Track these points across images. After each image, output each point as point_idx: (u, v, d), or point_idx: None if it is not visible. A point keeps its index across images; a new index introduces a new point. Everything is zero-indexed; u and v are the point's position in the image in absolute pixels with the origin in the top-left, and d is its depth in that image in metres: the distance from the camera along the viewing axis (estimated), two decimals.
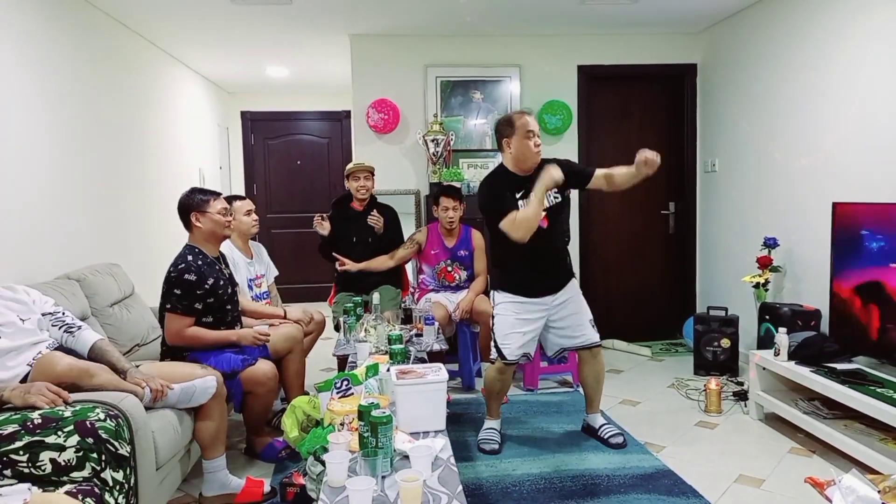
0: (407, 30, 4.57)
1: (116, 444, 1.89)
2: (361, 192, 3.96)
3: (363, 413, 1.80)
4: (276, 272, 3.89)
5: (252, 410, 2.90)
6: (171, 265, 2.78)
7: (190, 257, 2.77)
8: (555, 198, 2.92)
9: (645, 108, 5.02)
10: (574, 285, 3.07)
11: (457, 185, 4.50)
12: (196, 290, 2.73)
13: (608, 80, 4.90)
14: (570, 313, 3.02)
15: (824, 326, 3.40)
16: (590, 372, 3.12)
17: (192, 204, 2.84)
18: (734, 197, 4.45)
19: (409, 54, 4.70)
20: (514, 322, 2.95)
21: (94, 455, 1.83)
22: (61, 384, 2.05)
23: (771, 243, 3.82)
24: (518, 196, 2.87)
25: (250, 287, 3.49)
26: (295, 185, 6.99)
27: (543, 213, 2.81)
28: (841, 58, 3.42)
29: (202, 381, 2.42)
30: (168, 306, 2.75)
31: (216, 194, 2.92)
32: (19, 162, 2.99)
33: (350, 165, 4.03)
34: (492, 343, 3.02)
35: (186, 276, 2.71)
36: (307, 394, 2.71)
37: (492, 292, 3.08)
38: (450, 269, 3.98)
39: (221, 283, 2.84)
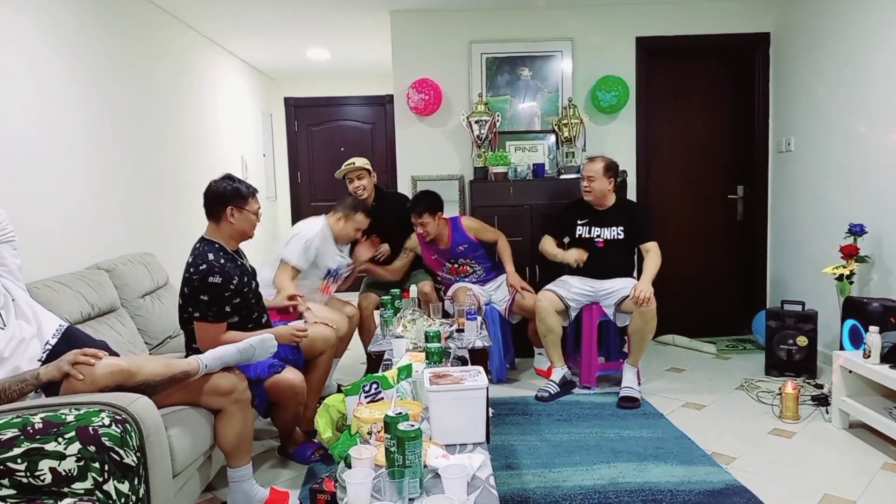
0: (450, 3, 4.29)
1: (122, 452, 1.72)
2: (360, 192, 3.76)
3: (389, 425, 1.57)
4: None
5: (280, 419, 2.74)
6: (189, 265, 2.50)
7: (211, 256, 2.48)
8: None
9: (710, 82, 4.59)
10: None
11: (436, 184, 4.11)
12: (224, 293, 2.45)
13: (669, 52, 4.50)
14: None
15: None
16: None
17: (230, 195, 2.54)
18: (813, 179, 4.00)
19: (453, 30, 4.43)
20: None
21: (96, 465, 1.66)
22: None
23: (857, 231, 3.39)
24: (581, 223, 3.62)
25: (334, 274, 3.51)
26: None
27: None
28: None
29: (259, 340, 2.31)
30: (197, 315, 2.45)
31: (255, 191, 2.65)
32: (51, 151, 2.88)
33: (341, 169, 3.81)
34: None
35: (211, 279, 2.41)
36: (340, 388, 2.51)
37: None
38: (458, 265, 3.78)
39: (245, 278, 2.59)
